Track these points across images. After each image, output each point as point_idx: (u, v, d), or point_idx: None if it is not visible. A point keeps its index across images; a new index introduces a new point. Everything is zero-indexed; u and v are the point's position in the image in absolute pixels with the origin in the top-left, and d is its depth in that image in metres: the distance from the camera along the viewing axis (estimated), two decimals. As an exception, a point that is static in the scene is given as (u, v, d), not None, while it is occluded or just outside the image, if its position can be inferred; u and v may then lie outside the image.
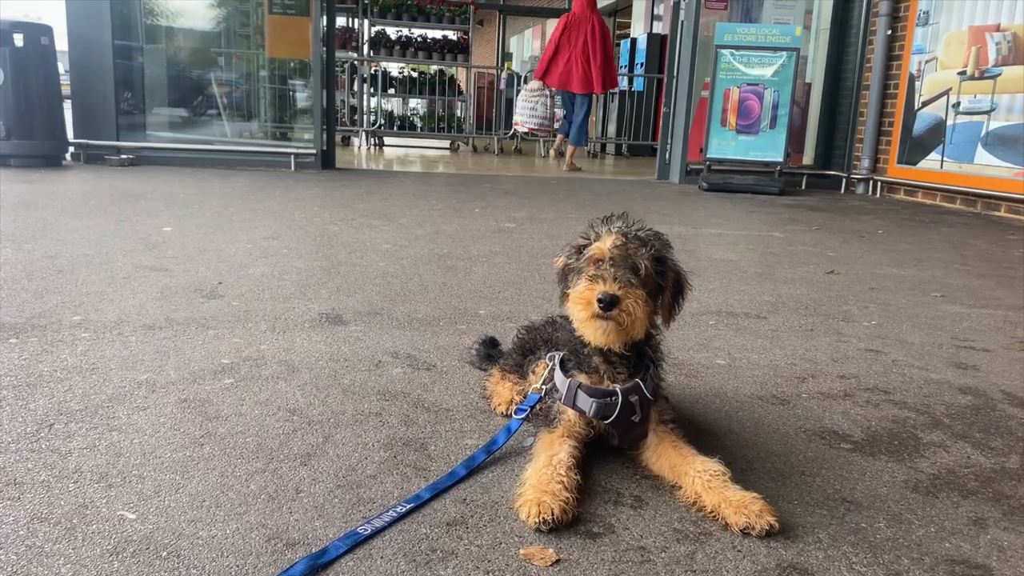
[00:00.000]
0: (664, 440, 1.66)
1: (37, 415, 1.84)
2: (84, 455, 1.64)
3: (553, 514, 1.41)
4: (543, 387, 1.79)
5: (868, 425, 2.03)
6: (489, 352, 2.29)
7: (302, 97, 9.53)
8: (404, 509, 1.46)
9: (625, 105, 13.31)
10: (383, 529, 1.40)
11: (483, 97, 14.27)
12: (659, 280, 1.61)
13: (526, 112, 10.34)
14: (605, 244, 1.57)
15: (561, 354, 1.77)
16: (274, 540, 1.36)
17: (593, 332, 1.57)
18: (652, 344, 1.73)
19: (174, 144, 8.53)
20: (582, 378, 1.68)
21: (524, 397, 1.91)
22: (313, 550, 1.33)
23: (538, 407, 1.79)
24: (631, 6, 16.44)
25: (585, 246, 1.63)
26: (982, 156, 6.94)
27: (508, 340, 2.30)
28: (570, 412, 1.68)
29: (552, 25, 20.49)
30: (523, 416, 1.78)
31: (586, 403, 1.65)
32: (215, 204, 5.44)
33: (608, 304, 1.50)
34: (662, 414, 1.71)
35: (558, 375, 1.73)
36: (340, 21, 13.29)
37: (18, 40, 7.04)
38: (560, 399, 1.70)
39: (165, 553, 1.31)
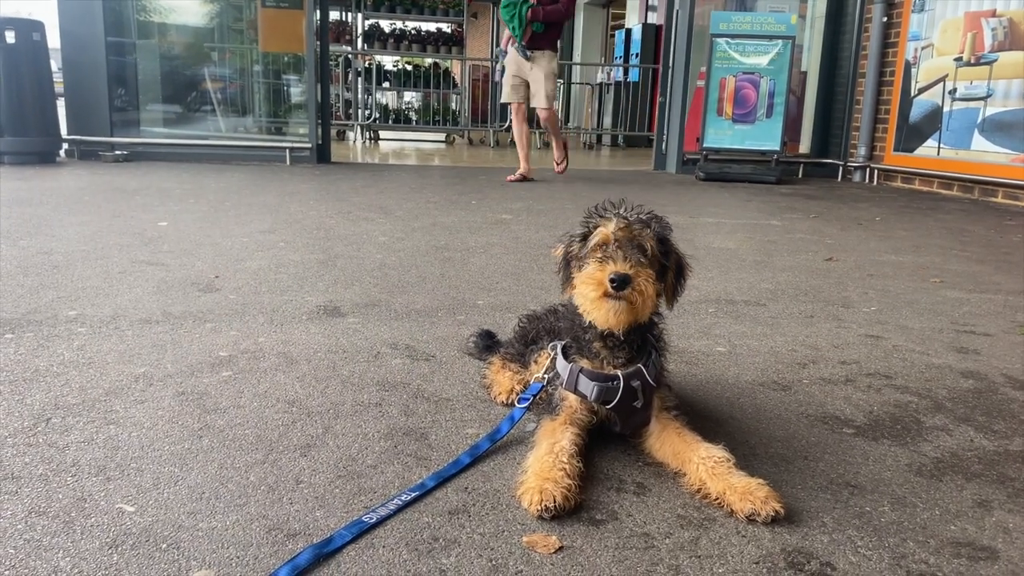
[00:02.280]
0: (668, 427, 1.65)
1: (34, 409, 1.82)
2: (82, 448, 1.63)
3: (555, 501, 1.40)
4: (545, 376, 1.78)
5: (870, 410, 2.02)
6: (487, 344, 2.28)
7: (296, 91, 9.49)
8: (409, 497, 1.45)
9: (621, 96, 13.28)
10: (388, 517, 1.39)
11: (478, 90, 14.23)
12: (663, 261, 1.60)
13: None
14: (609, 228, 1.56)
15: (563, 342, 1.76)
16: (275, 531, 1.35)
17: (604, 314, 1.54)
18: (655, 332, 1.71)
19: (168, 140, 8.49)
20: (584, 363, 1.67)
21: (525, 386, 1.91)
22: (315, 540, 1.32)
23: (540, 395, 1.78)
24: (626, -4, 16.39)
25: (587, 234, 1.61)
26: (979, 142, 6.93)
27: (507, 331, 2.29)
28: (572, 398, 1.67)
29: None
30: (526, 405, 1.76)
31: (587, 387, 1.64)
32: (211, 199, 5.41)
33: (621, 283, 1.49)
34: (665, 401, 1.70)
35: (560, 361, 1.72)
36: (333, 15, 13.26)
37: (9, 37, 6.99)
38: (562, 384, 1.69)
39: (165, 545, 1.29)
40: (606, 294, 1.51)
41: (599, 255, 1.55)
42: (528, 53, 7.16)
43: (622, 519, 1.43)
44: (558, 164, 8.02)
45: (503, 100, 7.64)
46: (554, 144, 8.09)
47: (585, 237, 1.62)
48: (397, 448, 1.69)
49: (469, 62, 13.84)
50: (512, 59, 7.31)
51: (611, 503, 1.49)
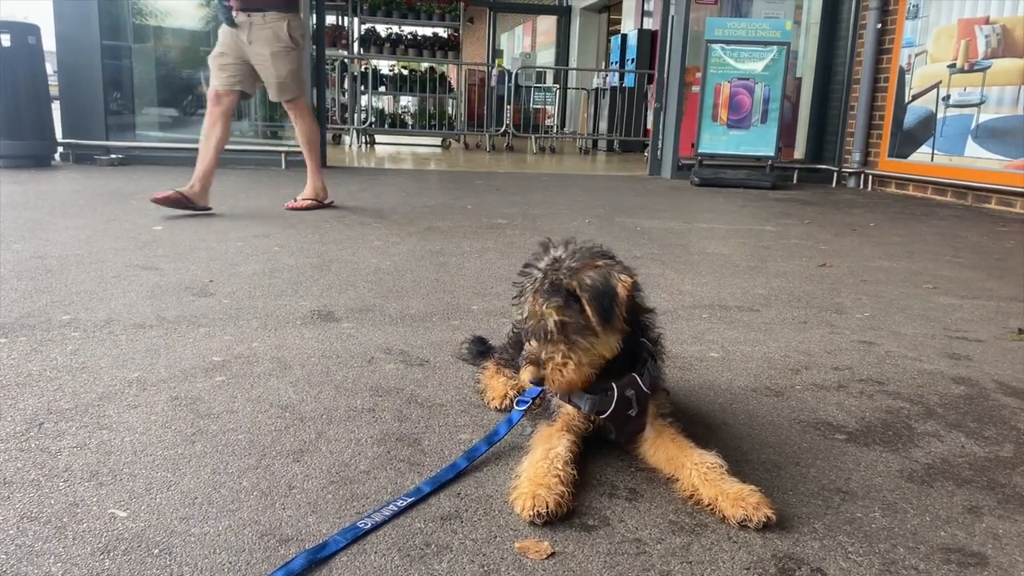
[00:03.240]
0: (662, 433, 1.65)
1: (27, 414, 1.82)
2: (74, 454, 1.63)
3: (548, 507, 1.41)
4: None
5: (862, 416, 2.03)
6: (480, 349, 2.28)
7: (292, 95, 9.47)
8: (404, 503, 1.46)
9: (616, 101, 13.30)
10: (384, 523, 1.40)
11: (474, 94, 14.24)
12: (580, 319, 1.53)
13: None
14: (521, 317, 1.59)
15: None
16: (267, 536, 1.35)
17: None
18: (650, 336, 1.71)
19: (164, 144, 8.48)
20: None
21: (517, 391, 1.91)
22: (307, 545, 1.32)
23: (537, 400, 1.79)
24: (621, 2, 16.44)
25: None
26: (972, 149, 6.96)
27: (501, 336, 2.30)
28: (568, 406, 1.67)
29: (542, 21, 20.49)
30: (524, 408, 1.76)
31: (582, 398, 1.65)
32: (206, 203, 5.40)
33: (538, 384, 1.58)
34: (660, 408, 1.70)
35: None
36: (330, 19, 13.25)
37: (5, 40, 6.98)
38: (557, 394, 1.69)
39: (157, 551, 1.29)
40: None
41: (524, 346, 1.63)
42: (234, 17, 4.89)
43: (614, 525, 1.44)
44: (298, 198, 5.31)
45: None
46: (307, 163, 5.37)
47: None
48: (390, 454, 1.69)
49: (465, 67, 13.86)
50: (223, 29, 5.01)
51: (603, 509, 1.49)
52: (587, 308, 1.53)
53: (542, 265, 1.58)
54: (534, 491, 1.44)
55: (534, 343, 1.57)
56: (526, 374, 1.57)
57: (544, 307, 1.53)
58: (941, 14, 7.39)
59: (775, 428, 1.93)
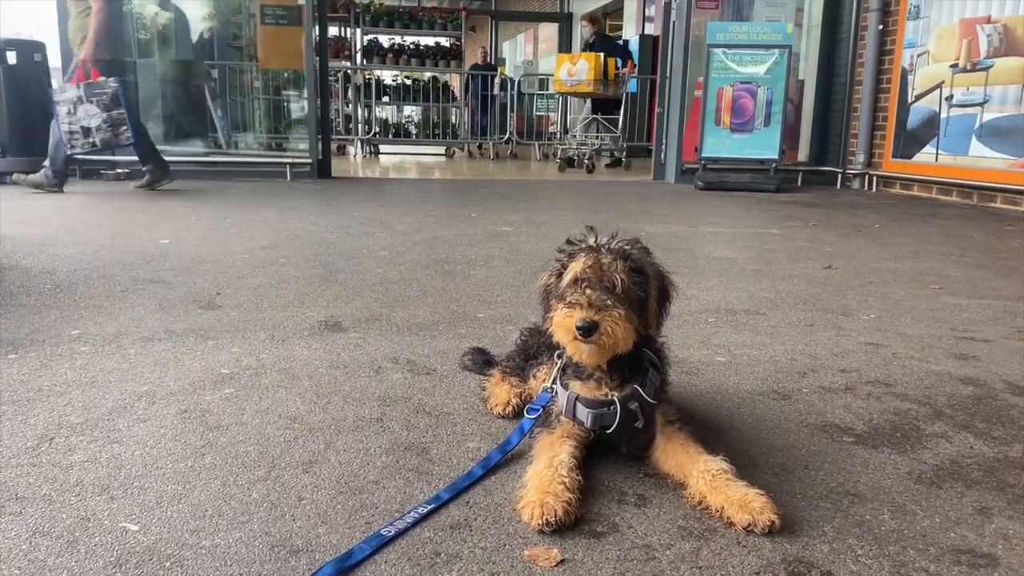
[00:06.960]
0: (672, 439, 1.65)
1: (37, 429, 1.83)
2: (85, 468, 1.64)
3: (556, 515, 1.41)
4: (554, 386, 1.78)
5: (870, 418, 2.02)
6: (485, 359, 2.28)
7: (296, 107, 9.54)
8: (425, 510, 1.47)
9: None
10: (406, 530, 1.41)
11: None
12: (640, 291, 1.58)
13: None
14: (579, 265, 1.57)
15: (566, 356, 1.75)
16: (277, 548, 1.36)
17: (579, 354, 1.59)
18: (654, 347, 1.71)
19: (169, 157, 8.49)
20: (578, 384, 1.67)
21: (521, 398, 1.92)
22: (318, 556, 1.32)
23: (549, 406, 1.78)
24: (623, 8, 16.48)
25: (564, 267, 1.63)
26: (976, 148, 6.95)
27: (508, 344, 2.30)
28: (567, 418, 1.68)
29: (544, 29, 20.56)
30: (536, 416, 1.75)
31: (584, 414, 1.65)
32: (212, 216, 5.44)
33: (587, 331, 1.51)
34: (667, 415, 1.70)
35: (559, 384, 1.72)
36: (332, 30, 13.33)
37: (11, 57, 7.05)
38: (562, 411, 1.69)
39: (168, 563, 1.30)
40: (576, 339, 1.53)
41: (570, 295, 1.56)
42: None
43: (623, 531, 1.44)
44: None
45: None
46: None
47: (561, 271, 1.63)
48: (399, 463, 1.70)
49: (468, 75, 13.91)
50: None
51: (612, 515, 1.49)
52: (651, 287, 1.59)
53: (599, 239, 1.62)
54: (542, 499, 1.44)
55: (590, 292, 1.53)
56: (579, 313, 1.50)
57: (615, 262, 1.55)
58: (942, 14, 7.39)
59: (783, 432, 1.92)
